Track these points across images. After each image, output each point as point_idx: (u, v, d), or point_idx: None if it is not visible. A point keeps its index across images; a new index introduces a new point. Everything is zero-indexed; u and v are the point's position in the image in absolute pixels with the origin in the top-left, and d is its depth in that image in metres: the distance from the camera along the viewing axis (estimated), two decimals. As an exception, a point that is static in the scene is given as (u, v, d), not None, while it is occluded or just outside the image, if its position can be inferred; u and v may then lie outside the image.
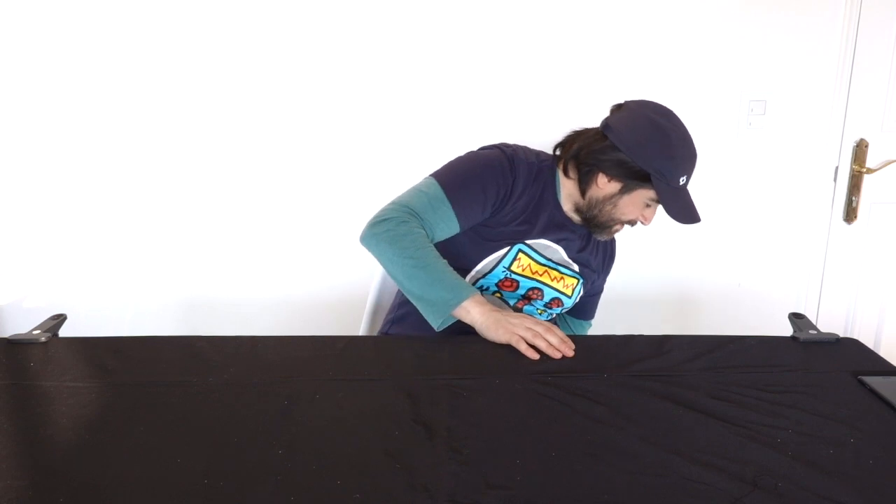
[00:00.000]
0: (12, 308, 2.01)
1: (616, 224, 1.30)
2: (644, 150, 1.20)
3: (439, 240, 1.24)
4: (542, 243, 1.29)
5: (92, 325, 1.98)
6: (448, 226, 1.23)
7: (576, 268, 1.35)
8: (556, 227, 1.30)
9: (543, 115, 1.90)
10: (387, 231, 1.17)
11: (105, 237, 1.97)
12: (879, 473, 0.77)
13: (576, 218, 1.32)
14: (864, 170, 1.97)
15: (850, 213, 2.02)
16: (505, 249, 1.27)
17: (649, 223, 1.29)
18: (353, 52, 1.88)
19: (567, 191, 1.31)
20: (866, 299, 2.09)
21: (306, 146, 1.93)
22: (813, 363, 1.06)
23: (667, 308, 2.09)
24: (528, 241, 1.28)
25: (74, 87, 1.86)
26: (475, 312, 1.14)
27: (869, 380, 0.98)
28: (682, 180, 1.22)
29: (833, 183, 2.01)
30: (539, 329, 1.11)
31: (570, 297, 1.36)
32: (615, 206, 1.26)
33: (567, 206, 1.32)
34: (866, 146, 1.96)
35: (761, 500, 0.71)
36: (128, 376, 0.98)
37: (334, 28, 1.85)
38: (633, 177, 1.22)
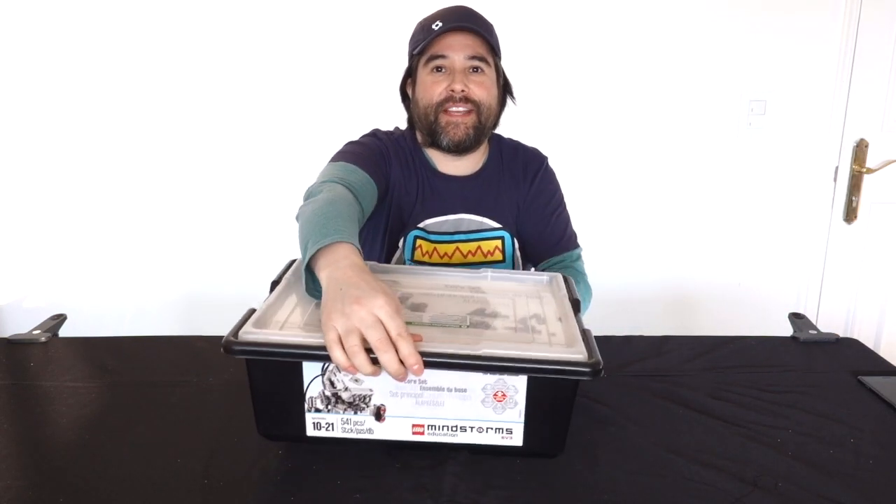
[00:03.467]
0: (12, 308, 2.01)
1: (438, 112, 1.20)
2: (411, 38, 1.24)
3: (366, 205, 1.13)
4: (436, 221, 1.23)
5: (92, 325, 1.98)
6: (361, 179, 1.13)
7: (494, 224, 1.25)
8: (438, 197, 1.23)
9: (546, 114, 1.90)
10: (305, 202, 1.05)
11: (105, 237, 1.98)
12: (879, 473, 0.77)
13: (448, 166, 1.25)
14: (864, 170, 1.97)
15: (850, 213, 2.02)
16: (400, 243, 1.22)
17: (458, 87, 1.18)
18: (355, 54, 1.88)
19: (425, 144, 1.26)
20: (866, 299, 2.09)
21: (306, 146, 1.93)
22: (813, 363, 1.06)
23: (667, 308, 2.09)
24: (419, 226, 1.22)
25: (74, 88, 1.87)
26: (324, 275, 0.78)
27: (869, 380, 0.98)
28: (436, 25, 1.17)
29: (833, 183, 2.01)
30: (375, 334, 0.67)
31: (502, 262, 1.25)
32: (420, 97, 1.21)
33: (435, 160, 1.26)
34: (866, 146, 1.96)
35: (761, 500, 0.71)
36: (128, 376, 0.98)
37: (337, 29, 1.86)
38: (412, 62, 1.24)
